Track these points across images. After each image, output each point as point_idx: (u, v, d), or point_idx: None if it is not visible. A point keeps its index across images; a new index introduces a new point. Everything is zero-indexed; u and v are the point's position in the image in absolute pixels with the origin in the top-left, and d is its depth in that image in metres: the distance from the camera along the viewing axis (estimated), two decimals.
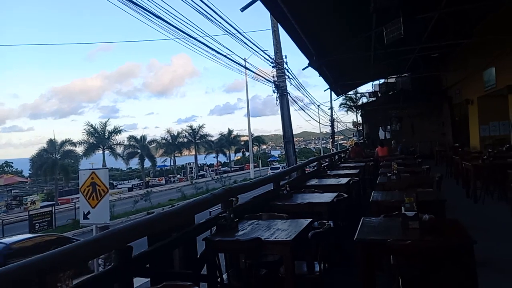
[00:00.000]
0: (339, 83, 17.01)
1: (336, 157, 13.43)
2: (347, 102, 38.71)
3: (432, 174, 6.68)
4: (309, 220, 3.65)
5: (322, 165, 9.71)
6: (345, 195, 4.99)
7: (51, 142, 36.18)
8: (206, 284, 3.30)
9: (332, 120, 33.45)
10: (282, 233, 3.27)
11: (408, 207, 2.94)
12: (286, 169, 7.92)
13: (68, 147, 37.72)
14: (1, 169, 35.01)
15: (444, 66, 17.68)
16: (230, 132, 66.96)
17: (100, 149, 40.77)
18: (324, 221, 3.59)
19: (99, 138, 40.86)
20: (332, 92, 24.68)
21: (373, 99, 22.13)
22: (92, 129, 40.92)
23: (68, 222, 20.17)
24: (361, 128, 25.21)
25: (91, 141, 40.38)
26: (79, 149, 39.59)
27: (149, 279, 2.88)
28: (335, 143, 41.52)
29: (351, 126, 47.91)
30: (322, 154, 64.66)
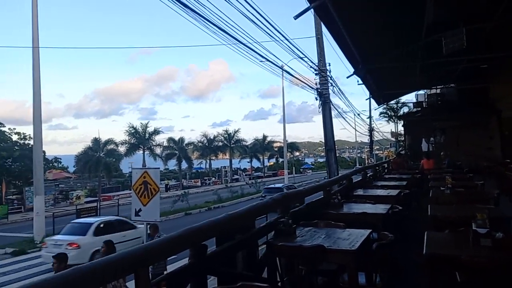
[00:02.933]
0: (382, 92, 16.72)
1: (379, 168, 13.17)
2: (388, 111, 37.75)
3: (488, 190, 6.44)
4: (369, 230, 3.65)
5: (368, 175, 9.58)
6: (400, 207, 4.92)
7: (96, 141, 38.00)
8: None
9: (371, 130, 32.74)
10: (344, 242, 3.29)
11: (480, 224, 2.88)
12: (336, 177, 7.90)
13: (111, 146, 39.44)
14: (50, 164, 37.01)
15: (493, 78, 16.90)
16: (264, 137, 67.21)
17: (140, 149, 42.30)
18: (385, 232, 3.57)
19: (140, 139, 42.42)
20: (373, 101, 24.25)
21: (417, 109, 21.51)
22: (133, 130, 42.57)
23: None
24: (402, 138, 24.53)
25: (132, 141, 42.04)
26: (121, 149, 41.36)
27: (216, 278, 3.01)
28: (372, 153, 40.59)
29: (389, 136, 46.70)
30: (357, 164, 63.36)
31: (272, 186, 27.79)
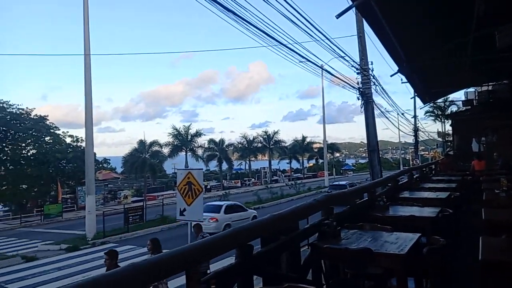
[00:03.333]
0: (428, 90, 16.03)
1: (426, 169, 12.64)
2: (434, 110, 36.11)
3: None
4: (418, 234, 3.52)
5: (414, 177, 9.23)
6: (450, 211, 4.70)
7: (141, 143, 39.62)
8: None
9: (416, 130, 31.48)
10: (391, 246, 3.20)
11: None
12: (381, 179, 7.69)
13: (156, 148, 40.96)
14: (100, 165, 39.10)
15: None
16: (304, 138, 66.67)
17: (183, 150, 43.57)
18: (436, 237, 3.43)
19: (182, 141, 43.70)
20: (417, 100, 23.31)
21: (467, 107, 20.39)
22: (176, 132, 43.94)
23: (156, 217, 21.81)
24: (450, 138, 23.36)
25: (175, 143, 43.41)
26: (165, 150, 42.82)
27: (261, 278, 3.04)
28: (417, 154, 38.97)
29: (435, 136, 44.67)
30: (401, 165, 61.06)
31: (337, 183, 31.63)
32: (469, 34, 9.50)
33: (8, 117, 33.08)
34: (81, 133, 38.13)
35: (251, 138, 57.96)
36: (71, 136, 37.04)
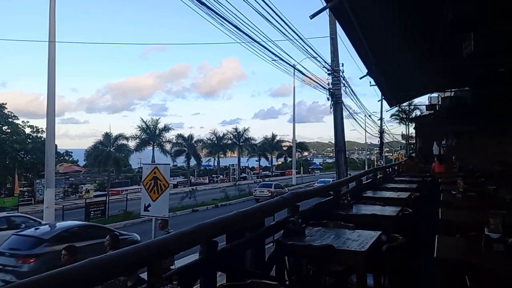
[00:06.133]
0: (395, 94, 16.55)
1: (390, 170, 13.07)
2: (400, 113, 37.42)
3: (501, 195, 6.33)
4: (379, 232, 3.63)
5: (378, 177, 9.52)
6: (410, 210, 4.88)
7: (107, 136, 38.38)
8: None
9: (381, 132, 32.52)
10: (353, 243, 3.27)
11: (493, 229, 2.85)
12: (346, 178, 7.86)
13: (121, 141, 39.81)
14: (61, 158, 37.51)
15: (510, 82, 16.60)
16: (273, 136, 67.19)
17: (150, 145, 42.62)
18: (396, 235, 3.55)
19: (150, 135, 42.74)
20: (384, 103, 24.07)
21: (430, 112, 21.26)
22: (145, 126, 42.91)
23: (119, 213, 21.26)
24: (413, 141, 24.29)
25: (142, 137, 42.39)
26: (131, 144, 41.68)
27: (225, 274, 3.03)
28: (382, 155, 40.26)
29: (400, 139, 46.28)
30: (366, 166, 62.83)
31: (325, 179, 35.07)
32: (436, 41, 9.89)
33: None
34: (42, 123, 36.50)
35: (221, 135, 57.76)
36: (31, 126, 35.26)
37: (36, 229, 10.44)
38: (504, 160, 17.34)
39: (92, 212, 18.90)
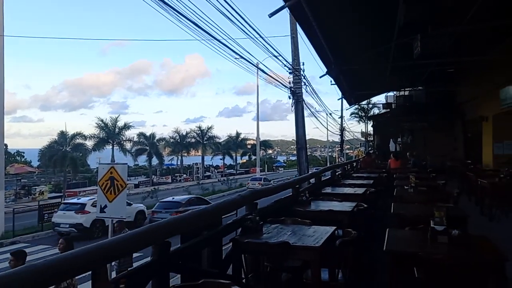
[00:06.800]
0: (354, 92, 17.07)
1: (349, 166, 13.45)
2: (359, 112, 38.63)
3: (449, 189, 6.70)
4: (334, 227, 3.70)
5: (337, 174, 9.75)
6: (365, 205, 5.03)
7: (62, 134, 36.59)
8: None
9: (342, 129, 33.42)
10: (309, 239, 3.32)
11: (437, 221, 2.99)
12: (305, 175, 7.98)
13: (79, 140, 38.12)
14: (12, 158, 35.36)
15: (459, 82, 17.63)
16: (238, 134, 67.15)
17: (110, 144, 41.12)
18: (349, 230, 3.64)
19: (109, 133, 41.22)
20: (344, 101, 24.74)
21: (386, 110, 22.11)
22: (103, 124, 41.31)
23: None
24: (371, 138, 25.17)
25: (101, 135, 40.79)
26: (89, 143, 40.00)
27: (179, 275, 2.97)
28: (342, 152, 41.45)
29: (359, 136, 47.82)
30: (328, 163, 64.45)
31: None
32: (391, 42, 10.27)
33: None
34: None
35: (184, 133, 56.91)
36: None
37: (173, 198, 19.61)
38: (455, 156, 18.44)
39: (46, 214, 17.93)
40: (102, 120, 41.74)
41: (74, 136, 37.48)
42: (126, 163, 8.49)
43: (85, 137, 38.86)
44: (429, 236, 2.99)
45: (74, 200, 18.93)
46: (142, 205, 21.10)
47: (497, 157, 13.82)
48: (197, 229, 3.22)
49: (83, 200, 18.22)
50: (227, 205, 3.61)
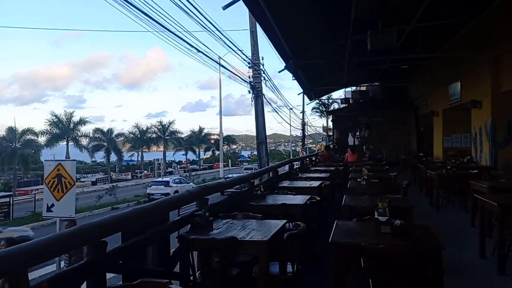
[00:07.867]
0: (313, 88, 17.30)
1: (308, 160, 13.64)
2: (320, 107, 39.39)
3: (399, 181, 6.94)
4: (284, 221, 3.69)
5: (294, 168, 9.83)
6: (318, 198, 5.08)
7: (11, 130, 34.37)
8: (179, 282, 3.27)
9: (303, 124, 33.97)
10: (257, 233, 3.28)
11: (381, 212, 3.05)
12: (261, 170, 7.97)
13: (30, 137, 35.94)
14: None
15: (412, 78, 18.41)
16: (201, 129, 66.46)
17: (64, 140, 39.13)
18: (299, 222, 3.64)
19: (64, 129, 39.20)
20: (305, 96, 25.09)
21: (345, 105, 22.67)
22: (56, 119, 39.17)
23: (27, 214, 19.30)
24: (331, 133, 25.74)
25: (54, 131, 38.67)
26: (42, 139, 37.85)
27: (121, 275, 2.82)
28: (305, 147, 42.17)
29: (321, 131, 48.85)
30: (291, 157, 65.47)
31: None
32: (347, 38, 10.47)
33: None
34: None
35: (145, 128, 55.45)
36: None
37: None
38: (409, 149, 19.28)
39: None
40: (55, 115, 39.68)
41: (25, 132, 35.34)
42: (75, 159, 8.09)
43: (36, 133, 36.71)
44: (373, 227, 3.04)
45: (160, 179, 31.61)
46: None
47: (446, 150, 14.59)
48: (141, 227, 3.08)
49: (166, 178, 31.79)
50: (174, 202, 3.50)
